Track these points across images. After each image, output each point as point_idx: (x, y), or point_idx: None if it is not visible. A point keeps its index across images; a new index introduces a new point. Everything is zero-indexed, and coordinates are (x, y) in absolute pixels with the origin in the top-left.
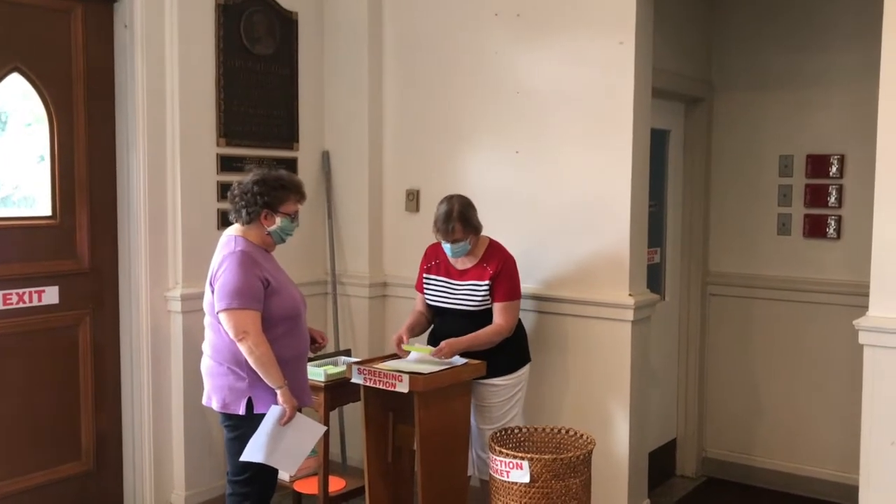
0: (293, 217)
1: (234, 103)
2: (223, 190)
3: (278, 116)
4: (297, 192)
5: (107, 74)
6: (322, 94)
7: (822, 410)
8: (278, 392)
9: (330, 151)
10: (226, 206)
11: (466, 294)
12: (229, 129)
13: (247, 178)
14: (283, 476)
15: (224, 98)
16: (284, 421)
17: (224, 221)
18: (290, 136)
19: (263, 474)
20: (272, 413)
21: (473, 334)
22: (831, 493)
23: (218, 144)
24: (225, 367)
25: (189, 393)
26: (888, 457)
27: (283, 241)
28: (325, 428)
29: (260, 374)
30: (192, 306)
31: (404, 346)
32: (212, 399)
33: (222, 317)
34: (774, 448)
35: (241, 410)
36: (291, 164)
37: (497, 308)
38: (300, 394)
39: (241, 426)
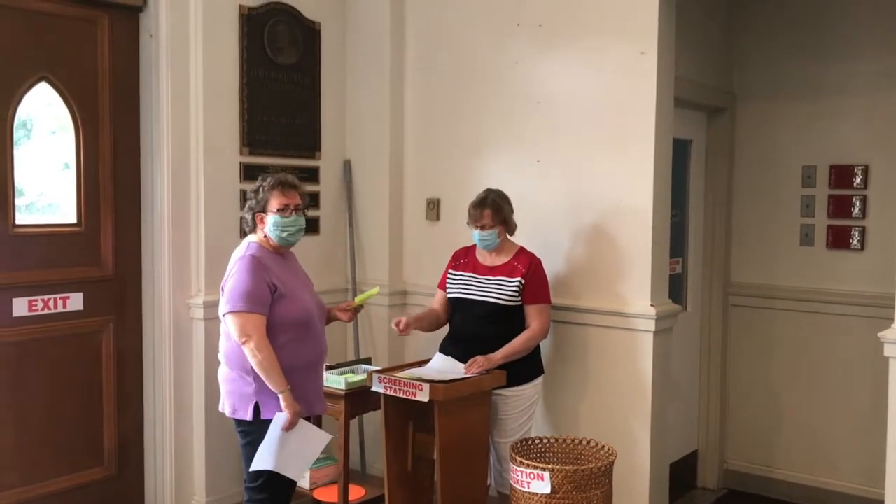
0: (286, 211)
1: (257, 112)
2: (246, 198)
3: (300, 125)
4: (278, 186)
5: (132, 83)
6: (344, 104)
7: (845, 423)
8: (280, 397)
9: (351, 160)
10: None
11: (495, 287)
12: (252, 137)
13: None
14: (304, 484)
15: (247, 107)
16: (286, 427)
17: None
18: (312, 145)
19: (277, 481)
20: (277, 420)
21: (507, 346)
22: None
23: (241, 153)
24: (235, 372)
25: (210, 399)
26: None
27: (284, 237)
28: (329, 437)
29: (263, 378)
30: (214, 313)
31: (356, 299)
32: (224, 405)
33: (227, 319)
34: (796, 460)
35: (249, 416)
36: (313, 173)
37: (531, 311)
38: (309, 401)
39: (251, 432)
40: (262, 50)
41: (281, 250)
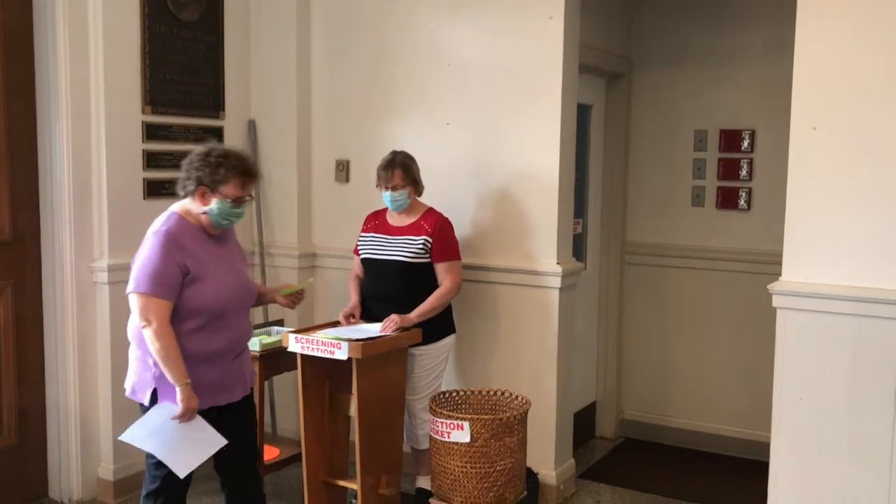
0: (235, 202)
1: (159, 70)
2: (149, 158)
3: (204, 84)
4: (242, 175)
5: (25, 38)
6: (248, 62)
7: (732, 373)
8: (177, 389)
9: (256, 120)
10: (152, 174)
11: (401, 246)
12: (155, 96)
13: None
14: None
15: (150, 65)
16: (178, 419)
17: (150, 190)
18: (215, 105)
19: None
20: (164, 408)
21: (421, 305)
22: (739, 449)
23: (143, 112)
24: (139, 352)
25: (117, 364)
26: (796, 411)
27: (223, 224)
28: (224, 441)
29: (161, 366)
30: (120, 277)
31: (280, 291)
32: (127, 383)
33: (130, 298)
34: (687, 409)
35: (146, 401)
36: (218, 133)
37: (441, 269)
38: (228, 387)
39: None
40: (165, 5)
41: (208, 228)
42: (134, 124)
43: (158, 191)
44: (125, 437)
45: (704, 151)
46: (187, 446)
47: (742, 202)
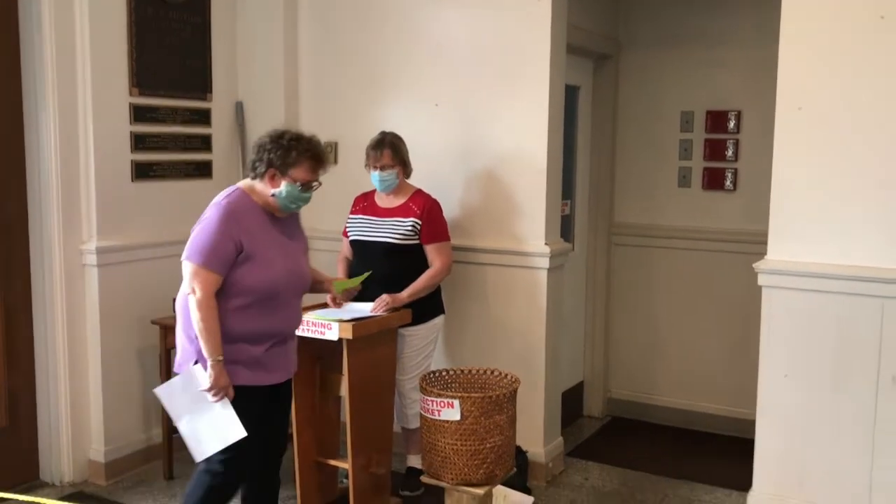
0: (304, 186)
1: (146, 52)
2: (137, 140)
3: (191, 66)
4: (312, 159)
5: (11, 21)
6: (235, 44)
7: (717, 352)
8: (209, 363)
9: (244, 102)
10: (140, 157)
11: (390, 228)
12: (142, 78)
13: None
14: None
15: (136, 47)
16: (210, 395)
17: (138, 173)
18: (203, 87)
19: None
20: (196, 371)
21: (412, 284)
22: (726, 427)
23: (131, 94)
24: (183, 324)
25: (107, 347)
26: (781, 388)
27: (291, 208)
28: (244, 434)
29: (198, 338)
30: (109, 259)
31: (335, 283)
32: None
33: (183, 264)
34: (674, 387)
35: None
36: (205, 115)
37: (431, 250)
38: (268, 370)
39: None
40: None
41: (274, 211)
42: (121, 106)
43: (146, 173)
44: (159, 390)
45: (691, 132)
46: (210, 428)
47: (728, 183)
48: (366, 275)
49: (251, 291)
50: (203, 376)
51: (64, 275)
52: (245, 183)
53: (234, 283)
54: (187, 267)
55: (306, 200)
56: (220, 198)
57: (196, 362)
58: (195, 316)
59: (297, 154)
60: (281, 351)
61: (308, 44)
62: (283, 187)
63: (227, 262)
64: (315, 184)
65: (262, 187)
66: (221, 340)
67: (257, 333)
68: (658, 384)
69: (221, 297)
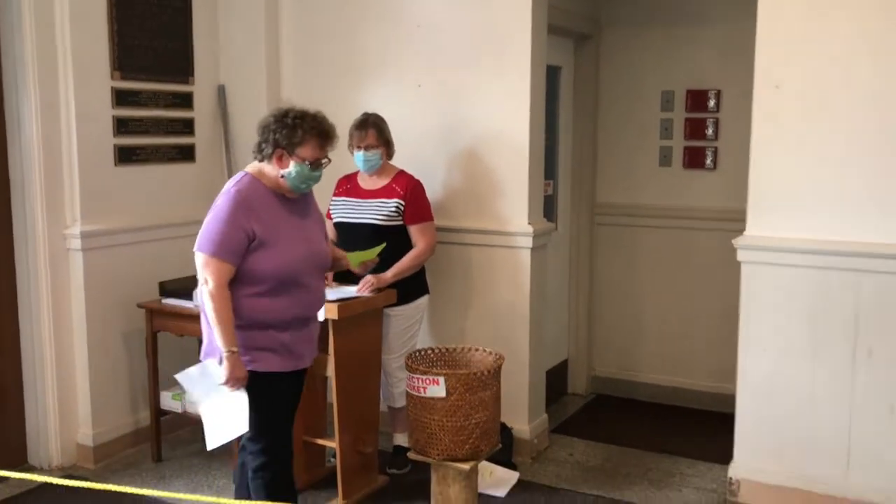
0: (313, 165)
1: (127, 35)
2: (119, 124)
3: (173, 50)
4: (319, 136)
5: None
6: (217, 27)
7: (699, 328)
8: (224, 355)
9: (226, 85)
10: (122, 140)
11: (373, 209)
12: (123, 62)
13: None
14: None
15: (117, 30)
16: (227, 386)
17: (121, 157)
18: (185, 70)
19: (274, 423)
20: (210, 366)
21: (396, 265)
22: (706, 401)
23: (112, 77)
24: (203, 314)
25: (93, 331)
26: (760, 362)
27: (302, 188)
28: (246, 429)
29: (212, 328)
30: (93, 244)
31: (349, 256)
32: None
33: (195, 255)
34: (657, 364)
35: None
36: (187, 98)
37: (415, 231)
38: (296, 355)
39: None
40: None
41: (285, 192)
42: (103, 90)
43: (129, 157)
44: (179, 376)
45: (671, 112)
46: (223, 417)
47: (708, 161)
48: (381, 246)
49: (270, 278)
50: (218, 370)
51: (49, 259)
52: (253, 167)
53: (251, 270)
54: (199, 257)
55: (317, 179)
56: (230, 185)
57: (221, 361)
58: (208, 306)
59: (303, 132)
60: (306, 334)
61: (290, 26)
62: (291, 167)
63: (238, 251)
64: (324, 161)
65: (271, 169)
66: (251, 329)
67: (283, 319)
68: (641, 361)
69: (243, 285)
